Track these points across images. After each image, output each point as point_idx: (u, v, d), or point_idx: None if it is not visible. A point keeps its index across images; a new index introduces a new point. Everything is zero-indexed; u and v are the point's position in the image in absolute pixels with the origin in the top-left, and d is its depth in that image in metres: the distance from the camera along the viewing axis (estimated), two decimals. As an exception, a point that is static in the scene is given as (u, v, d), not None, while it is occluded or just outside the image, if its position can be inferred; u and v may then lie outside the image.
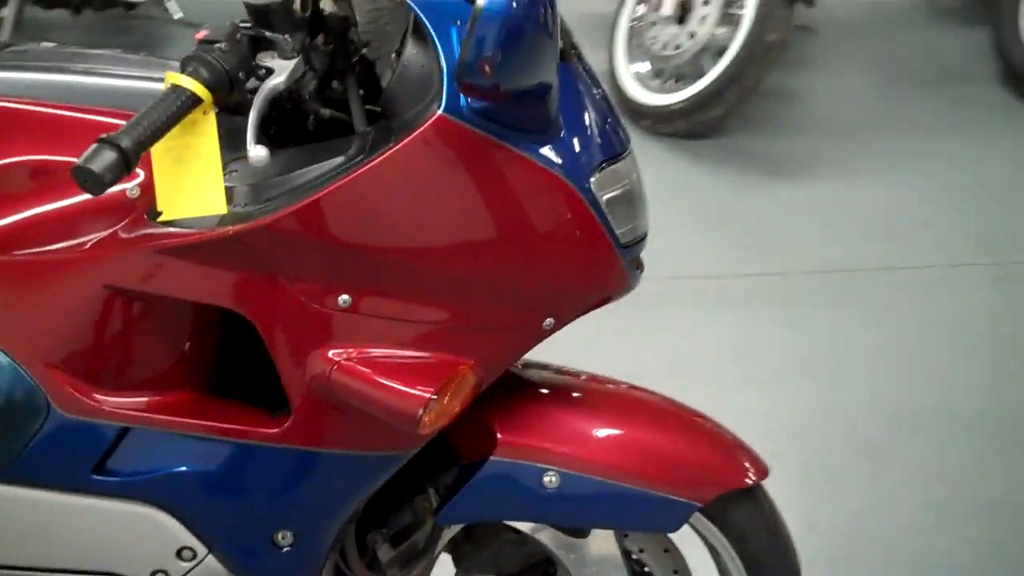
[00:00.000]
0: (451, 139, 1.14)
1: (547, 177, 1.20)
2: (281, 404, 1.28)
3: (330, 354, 1.20)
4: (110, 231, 1.18)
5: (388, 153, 1.14)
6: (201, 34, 1.18)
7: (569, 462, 1.37)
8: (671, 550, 1.57)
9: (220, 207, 1.15)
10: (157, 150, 1.15)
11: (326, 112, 1.25)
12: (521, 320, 1.26)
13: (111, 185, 1.04)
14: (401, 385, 1.18)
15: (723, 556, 1.52)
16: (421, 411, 1.17)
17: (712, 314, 3.02)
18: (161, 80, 1.25)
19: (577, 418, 1.42)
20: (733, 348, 2.89)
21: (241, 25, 1.18)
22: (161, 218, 1.16)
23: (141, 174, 1.19)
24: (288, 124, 1.26)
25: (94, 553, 1.29)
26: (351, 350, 1.20)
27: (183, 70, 1.13)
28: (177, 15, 4.37)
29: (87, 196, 1.17)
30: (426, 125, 1.13)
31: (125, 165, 1.05)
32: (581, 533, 1.48)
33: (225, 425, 1.24)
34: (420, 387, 1.18)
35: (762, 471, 1.47)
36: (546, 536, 1.48)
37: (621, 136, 1.31)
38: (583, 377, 1.49)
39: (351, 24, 1.26)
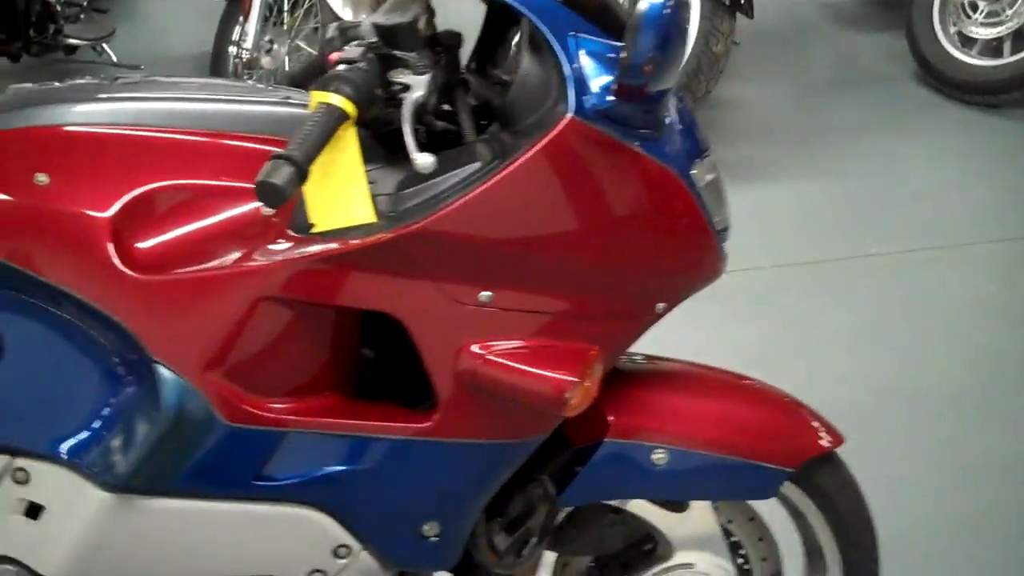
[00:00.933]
0: (579, 140, 1.23)
1: (660, 171, 1.29)
2: (411, 402, 1.35)
3: (474, 348, 1.27)
4: (264, 247, 1.22)
5: (525, 156, 1.22)
6: (334, 56, 1.24)
7: (674, 439, 1.46)
8: (755, 518, 1.67)
9: (369, 216, 1.21)
10: (326, 159, 1.21)
11: (440, 124, 1.32)
12: (638, 306, 1.35)
13: (289, 198, 1.10)
14: (546, 372, 1.26)
15: (810, 520, 1.62)
16: (568, 394, 1.24)
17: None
18: (274, 104, 1.32)
19: (675, 398, 1.51)
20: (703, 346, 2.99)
21: (371, 45, 1.25)
22: (314, 230, 1.21)
23: None
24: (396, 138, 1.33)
25: (254, 558, 1.32)
26: (493, 343, 1.27)
27: (325, 89, 1.19)
28: (114, 59, 4.39)
29: (227, 215, 1.23)
30: (559, 128, 1.22)
31: (300, 178, 1.10)
32: (680, 507, 1.56)
33: (377, 423, 1.29)
34: (563, 372, 1.26)
35: (838, 437, 1.58)
36: (646, 512, 1.56)
37: (702, 132, 1.41)
38: (668, 361, 1.58)
39: (461, 42, 1.34)
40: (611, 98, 1.21)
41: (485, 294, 1.26)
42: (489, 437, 1.33)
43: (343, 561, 1.33)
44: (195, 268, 1.21)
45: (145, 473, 1.23)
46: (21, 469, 1.26)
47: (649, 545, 1.60)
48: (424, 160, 1.19)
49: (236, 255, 1.22)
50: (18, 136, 1.24)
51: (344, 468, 1.30)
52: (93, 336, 1.25)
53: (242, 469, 1.28)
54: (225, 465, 1.27)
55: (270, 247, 1.23)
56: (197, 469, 1.25)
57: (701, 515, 1.57)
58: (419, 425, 1.29)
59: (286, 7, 3.92)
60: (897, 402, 2.76)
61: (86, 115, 1.25)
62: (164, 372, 1.23)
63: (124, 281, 1.20)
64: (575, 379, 1.25)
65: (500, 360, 1.26)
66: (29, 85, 1.35)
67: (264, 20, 3.85)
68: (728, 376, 1.60)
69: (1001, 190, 3.91)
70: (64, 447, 1.27)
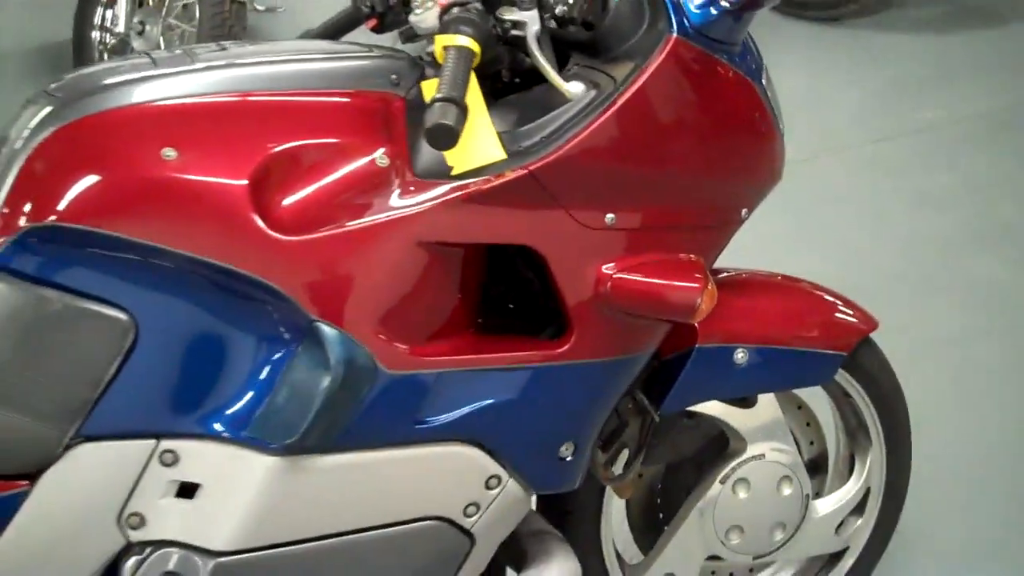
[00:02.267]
0: (684, 58, 1.32)
1: (745, 83, 1.39)
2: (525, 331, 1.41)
3: (605, 269, 1.33)
4: (399, 195, 1.25)
5: (639, 80, 1.30)
6: (445, 1, 1.27)
7: (752, 338, 1.56)
8: (803, 406, 1.80)
9: (501, 153, 1.26)
10: None
11: (527, 62, 1.37)
12: (729, 213, 1.45)
13: (459, 138, 1.13)
14: (675, 281, 1.34)
15: (855, 399, 1.77)
16: (699, 300, 1.33)
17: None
18: (364, 58, 1.34)
19: (745, 300, 1.61)
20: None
21: None
22: (453, 172, 1.25)
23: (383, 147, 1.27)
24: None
25: (416, 500, 1.35)
26: (620, 262, 1.34)
27: (448, 32, 1.22)
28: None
29: (351, 170, 1.25)
30: (667, 48, 1.30)
31: (464, 115, 1.14)
32: (748, 402, 1.68)
33: (520, 353, 1.34)
34: (689, 281, 1.34)
35: (874, 320, 1.72)
36: (716, 412, 1.67)
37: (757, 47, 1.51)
38: (728, 269, 1.68)
39: None
40: (714, 12, 1.30)
41: (610, 216, 1.32)
42: (616, 354, 1.40)
43: (494, 492, 1.38)
44: (340, 224, 1.22)
45: (316, 432, 1.24)
46: (169, 451, 1.25)
47: (723, 444, 1.71)
48: (575, 88, 1.24)
49: (372, 207, 1.24)
50: (134, 114, 1.21)
51: (492, 400, 1.34)
52: (240, 307, 1.24)
53: (403, 414, 1.30)
54: (388, 413, 1.29)
55: (410, 194, 1.25)
56: (363, 420, 1.27)
57: (767, 407, 1.69)
58: (557, 350, 1.35)
59: (150, -13, 3.79)
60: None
61: (196, 86, 1.24)
62: (327, 330, 1.23)
63: (276, 245, 1.20)
64: (704, 284, 1.33)
65: (630, 277, 1.33)
66: (103, 65, 1.31)
67: (132, 1, 3.72)
68: (775, 276, 1.71)
69: (865, 96, 4.17)
70: (216, 422, 1.26)
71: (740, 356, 1.55)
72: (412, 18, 1.36)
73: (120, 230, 1.18)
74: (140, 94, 1.22)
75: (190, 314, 1.23)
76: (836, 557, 1.87)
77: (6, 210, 1.19)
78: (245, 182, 1.20)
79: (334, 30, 1.57)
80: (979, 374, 2.68)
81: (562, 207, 1.29)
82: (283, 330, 1.25)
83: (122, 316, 1.21)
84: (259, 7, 3.79)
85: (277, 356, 1.26)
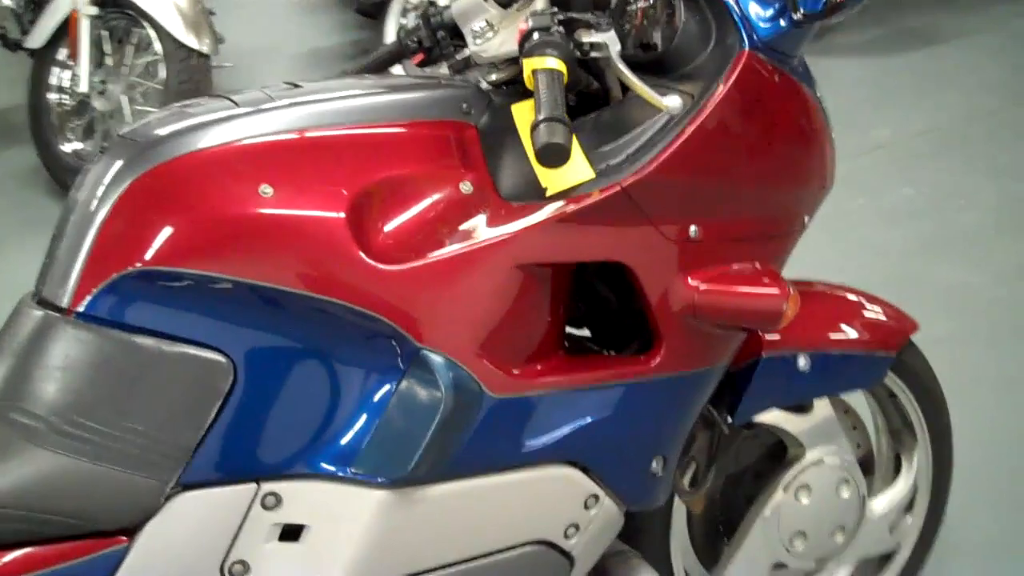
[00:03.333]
0: (756, 72, 1.35)
1: (806, 94, 1.43)
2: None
3: (691, 281, 1.35)
4: (491, 219, 1.26)
5: (717, 95, 1.33)
6: (524, 26, 1.28)
7: (812, 343, 1.60)
8: (849, 410, 1.83)
9: (589, 173, 1.28)
10: (524, 134, 1.26)
11: (595, 83, 1.39)
12: (796, 222, 1.48)
13: (569, 155, 1.15)
14: (760, 289, 1.36)
15: (901, 399, 1.81)
16: (785, 307, 1.35)
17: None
18: (435, 87, 1.35)
19: (803, 307, 1.64)
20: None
21: (551, 13, 1.29)
22: (548, 194, 1.26)
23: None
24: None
25: (520, 524, 1.34)
26: (705, 274, 1.36)
27: (531, 55, 1.24)
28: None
29: (441, 197, 1.26)
30: (741, 63, 1.33)
31: (571, 133, 1.16)
32: (806, 408, 1.70)
33: (613, 371, 1.34)
34: (773, 288, 1.36)
35: (914, 322, 1.77)
36: (773, 420, 1.69)
37: None
38: None
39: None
40: (783, 25, 1.33)
41: (694, 228, 1.34)
42: (701, 365, 1.41)
43: (592, 511, 1.38)
44: (439, 251, 1.22)
45: (426, 462, 1.22)
46: (271, 494, 1.22)
47: (779, 451, 1.73)
48: (673, 103, 1.26)
49: (468, 233, 1.25)
50: (228, 153, 1.20)
51: (589, 419, 1.34)
52: (340, 341, 1.23)
53: (506, 439, 1.30)
54: (492, 438, 1.28)
55: (504, 218, 1.26)
56: (469, 447, 1.26)
57: (822, 411, 1.72)
58: (648, 365, 1.36)
59: (108, 48, 3.75)
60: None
61: (281, 123, 1.23)
62: (434, 358, 1.23)
63: (379, 275, 1.19)
64: (785, 293, 1.36)
65: (716, 287, 1.35)
66: (182, 104, 1.30)
67: (91, 61, 3.67)
68: (817, 283, 1.75)
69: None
70: (320, 460, 1.23)
71: (803, 363, 1.58)
72: (473, 48, 1.38)
73: (219, 270, 1.16)
74: (229, 133, 1.21)
75: (288, 352, 1.22)
76: (886, 557, 1.91)
77: (96, 257, 1.17)
78: (343, 215, 1.19)
79: (376, 66, 1.58)
80: (970, 374, 2.75)
81: (650, 222, 1.31)
82: (385, 362, 1.24)
83: (220, 358, 1.18)
84: (215, 63, 3.77)
85: (380, 389, 1.25)
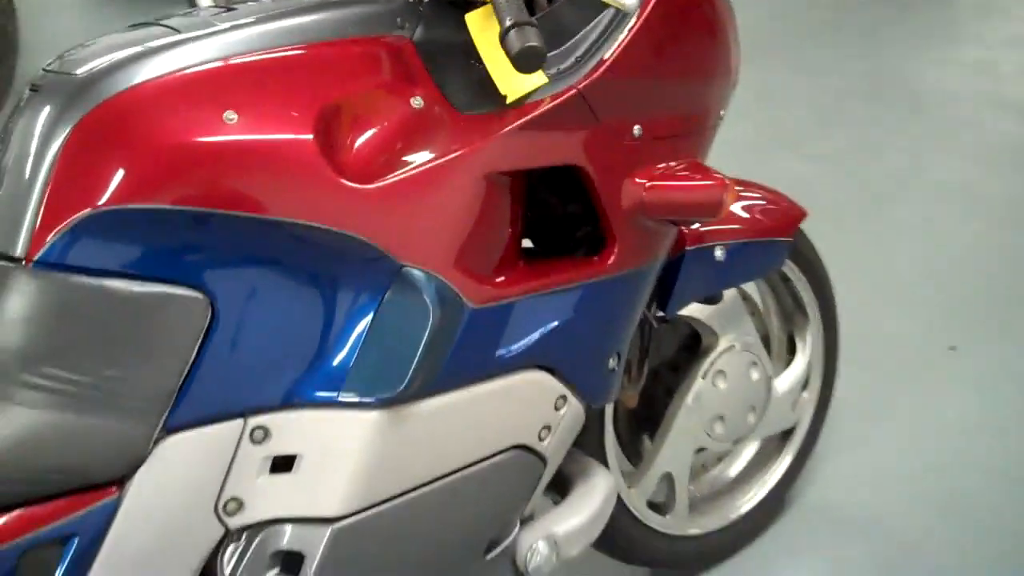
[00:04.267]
0: None
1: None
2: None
3: (638, 180, 1.39)
4: (453, 133, 1.25)
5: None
6: None
7: (725, 235, 1.67)
8: (748, 297, 1.93)
9: (543, 78, 1.28)
10: (482, 43, 1.25)
11: None
12: (714, 118, 1.53)
13: (546, 56, 1.16)
14: (701, 182, 1.41)
15: (794, 283, 1.92)
16: (725, 195, 1.40)
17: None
18: (347, 4, 1.32)
19: None
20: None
21: None
22: (509, 100, 1.26)
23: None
24: None
25: (501, 432, 1.35)
26: (649, 172, 1.40)
27: None
28: None
29: (398, 113, 1.24)
30: None
31: (541, 35, 1.16)
32: (714, 300, 1.78)
33: (573, 273, 1.37)
34: (711, 179, 1.41)
35: (803, 210, 1.87)
36: (689, 312, 1.76)
37: None
38: None
39: None
40: None
41: (637, 128, 1.37)
42: (646, 262, 1.45)
43: (561, 412, 1.41)
44: (407, 168, 1.21)
45: (418, 378, 1.21)
46: (259, 427, 1.19)
47: (692, 342, 1.81)
48: (632, 2, 1.27)
49: (431, 147, 1.23)
50: (189, 80, 1.13)
51: (556, 322, 1.36)
52: (317, 266, 1.19)
53: (485, 348, 1.30)
54: (473, 348, 1.28)
55: (465, 130, 1.25)
56: (453, 359, 1.26)
57: (731, 301, 1.80)
58: (603, 265, 1.39)
59: None
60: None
61: (230, 47, 1.17)
62: (416, 273, 1.21)
63: (355, 195, 1.17)
64: (723, 183, 1.41)
65: (661, 183, 1.39)
66: (115, 34, 1.22)
67: None
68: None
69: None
70: (306, 388, 1.21)
71: (719, 254, 1.65)
72: None
73: (190, 203, 1.11)
74: (181, 59, 1.14)
75: (266, 282, 1.18)
76: (786, 434, 2.03)
77: (52, 201, 1.09)
78: (311, 136, 1.16)
79: None
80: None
81: (601, 124, 1.33)
82: (366, 283, 1.22)
83: (196, 295, 1.13)
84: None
85: (363, 311, 1.23)
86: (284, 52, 1.20)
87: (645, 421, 1.86)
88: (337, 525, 1.23)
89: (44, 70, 1.17)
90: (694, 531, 1.89)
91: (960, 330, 2.66)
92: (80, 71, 1.14)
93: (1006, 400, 2.41)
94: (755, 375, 1.83)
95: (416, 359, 1.21)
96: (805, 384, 2.01)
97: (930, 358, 2.56)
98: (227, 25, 1.21)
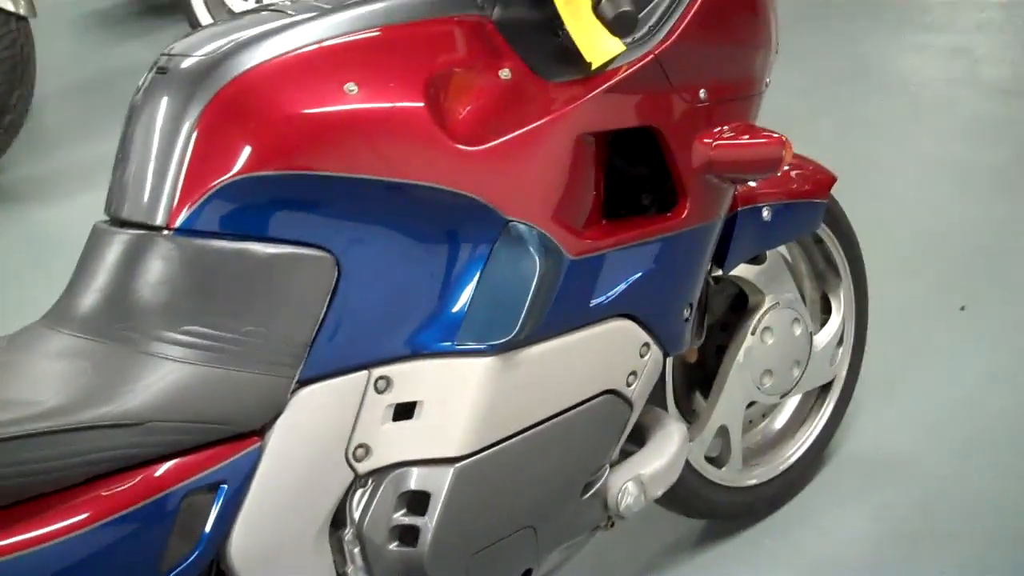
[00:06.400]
0: None
1: None
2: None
3: (705, 140, 1.51)
4: (544, 97, 1.36)
5: None
6: None
7: (770, 196, 1.78)
8: (784, 257, 2.04)
9: (621, 46, 1.39)
10: (567, 14, 1.36)
11: None
12: (762, 84, 1.65)
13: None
14: (761, 140, 1.53)
15: (827, 243, 2.04)
16: (784, 151, 1.52)
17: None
18: None
19: None
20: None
21: None
22: (593, 67, 1.37)
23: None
24: None
25: (594, 378, 1.46)
26: (714, 133, 1.52)
27: None
28: None
29: (494, 82, 1.34)
30: None
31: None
32: (759, 260, 1.89)
33: (653, 227, 1.49)
34: (769, 138, 1.53)
35: (833, 174, 1.99)
36: (737, 272, 1.87)
37: None
38: None
39: None
40: None
41: (703, 91, 1.49)
42: (713, 217, 1.58)
43: (646, 358, 1.52)
44: (512, 131, 1.32)
45: (528, 324, 1.32)
46: (381, 378, 1.28)
47: (740, 301, 1.92)
48: None
49: (526, 112, 1.35)
50: (308, 57, 1.24)
51: (640, 274, 1.48)
52: (431, 224, 1.29)
53: (581, 298, 1.42)
54: (572, 297, 1.40)
55: (557, 96, 1.37)
56: (555, 308, 1.36)
57: (773, 260, 1.92)
58: (678, 219, 1.51)
59: None
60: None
61: (341, 26, 1.27)
62: (521, 227, 1.33)
63: (465, 157, 1.27)
64: (781, 141, 1.52)
65: (727, 142, 1.51)
66: (228, 19, 1.32)
67: None
68: None
69: None
70: (424, 339, 1.31)
71: (766, 214, 1.77)
72: None
73: (318, 168, 1.21)
74: (301, 38, 1.25)
75: (386, 241, 1.28)
76: (825, 389, 2.15)
77: (192, 173, 1.19)
78: (423, 104, 1.26)
79: None
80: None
81: (673, 88, 1.45)
82: (476, 238, 1.33)
83: (323, 254, 1.24)
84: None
85: (474, 264, 1.33)
86: (386, 31, 1.30)
87: (696, 379, 1.96)
88: (460, 464, 1.33)
89: (166, 54, 1.27)
90: (751, 482, 2.00)
91: (966, 291, 2.79)
92: (205, 53, 1.24)
93: (1019, 350, 2.54)
94: (798, 331, 1.95)
95: (525, 306, 1.32)
96: (840, 340, 2.12)
97: (943, 318, 2.69)
98: (329, 6, 1.31)
